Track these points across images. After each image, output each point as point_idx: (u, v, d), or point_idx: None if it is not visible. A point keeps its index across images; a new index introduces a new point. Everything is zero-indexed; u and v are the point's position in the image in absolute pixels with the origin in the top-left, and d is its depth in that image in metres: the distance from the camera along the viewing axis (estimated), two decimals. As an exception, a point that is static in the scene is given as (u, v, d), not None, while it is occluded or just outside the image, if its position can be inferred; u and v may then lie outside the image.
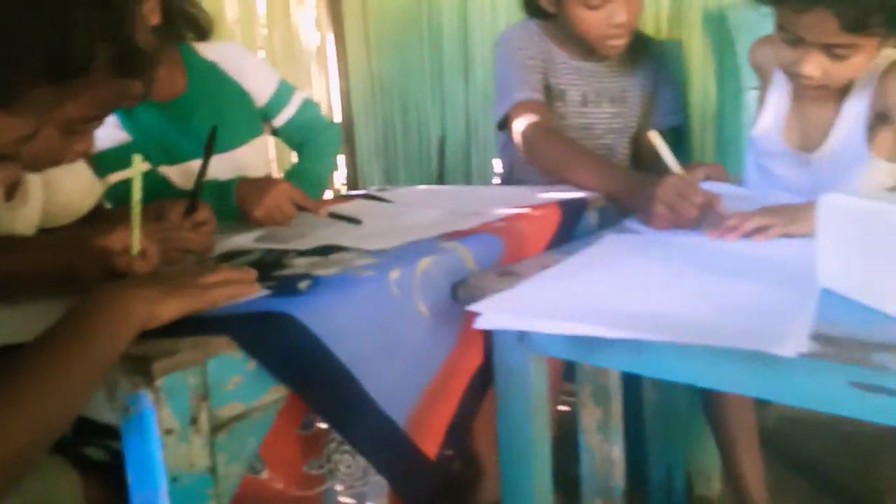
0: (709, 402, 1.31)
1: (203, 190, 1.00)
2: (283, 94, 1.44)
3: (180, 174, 1.31)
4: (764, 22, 1.12)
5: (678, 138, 1.58)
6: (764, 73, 1.30)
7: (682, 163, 1.11)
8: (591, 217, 1.22)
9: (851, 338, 0.63)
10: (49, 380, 0.57)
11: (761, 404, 1.32)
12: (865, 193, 0.75)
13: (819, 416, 1.42)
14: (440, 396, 0.90)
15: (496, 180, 1.64)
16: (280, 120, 1.45)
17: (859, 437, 1.54)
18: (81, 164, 1.02)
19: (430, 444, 0.88)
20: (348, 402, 0.77)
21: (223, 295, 0.72)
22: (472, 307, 0.79)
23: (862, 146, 1.16)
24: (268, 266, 0.86)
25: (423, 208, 1.22)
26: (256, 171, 1.38)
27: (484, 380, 0.95)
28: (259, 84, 1.41)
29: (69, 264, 0.79)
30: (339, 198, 1.51)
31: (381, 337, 0.81)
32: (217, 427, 0.66)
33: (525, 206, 1.14)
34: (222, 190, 1.15)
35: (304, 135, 1.47)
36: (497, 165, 1.63)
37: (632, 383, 1.26)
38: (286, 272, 0.84)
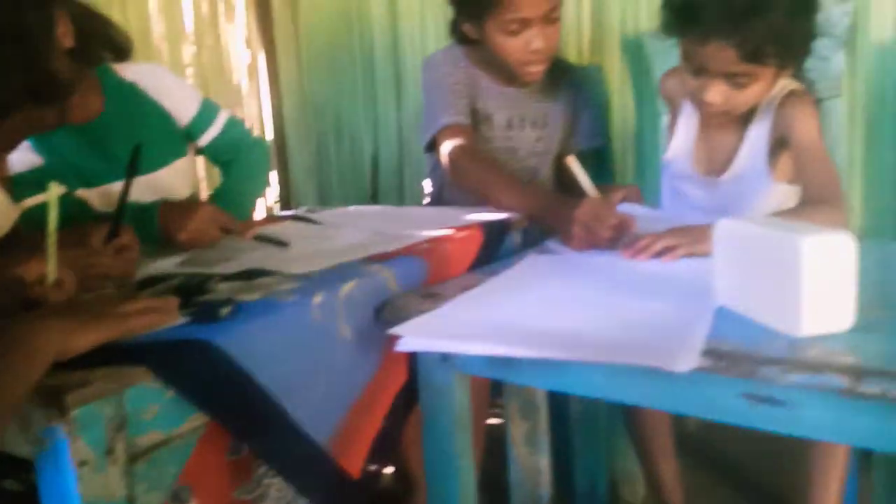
0: (628, 413, 1.37)
1: (125, 213, 0.98)
2: (206, 113, 1.40)
3: (100, 197, 1.27)
4: (676, 51, 1.19)
5: (601, 159, 1.64)
6: (673, 102, 1.37)
7: (602, 184, 1.16)
8: (515, 237, 1.25)
9: (743, 352, 0.68)
10: None
11: (680, 412, 1.38)
12: (756, 218, 0.81)
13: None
14: (365, 416, 0.92)
15: (426, 200, 1.67)
16: (204, 139, 1.41)
17: (774, 440, 1.62)
18: (-5, 189, 0.99)
19: (355, 462, 0.89)
20: (269, 427, 0.78)
21: (141, 324, 0.72)
22: (394, 330, 0.81)
23: (764, 170, 1.24)
24: (190, 291, 0.86)
25: (350, 230, 1.23)
26: (179, 193, 1.35)
27: (409, 397, 0.97)
28: (181, 104, 1.37)
29: None
30: (268, 219, 1.49)
31: (303, 361, 0.82)
32: (135, 456, 0.66)
33: (450, 227, 1.17)
34: (144, 213, 1.13)
35: (230, 153, 1.44)
36: (427, 186, 1.66)
37: (558, 395, 1.29)
38: (208, 297, 0.85)
